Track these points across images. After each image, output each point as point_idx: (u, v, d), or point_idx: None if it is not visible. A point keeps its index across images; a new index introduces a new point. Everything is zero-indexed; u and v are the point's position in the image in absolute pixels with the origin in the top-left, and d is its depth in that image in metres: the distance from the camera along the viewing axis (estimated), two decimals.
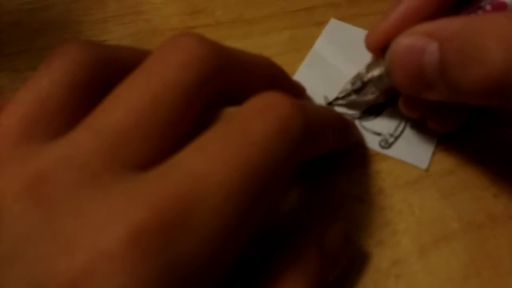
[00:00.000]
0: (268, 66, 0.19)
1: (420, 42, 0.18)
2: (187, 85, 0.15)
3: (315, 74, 0.24)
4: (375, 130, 0.23)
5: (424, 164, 0.22)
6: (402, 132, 0.23)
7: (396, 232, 0.20)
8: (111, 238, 0.12)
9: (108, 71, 0.16)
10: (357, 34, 0.25)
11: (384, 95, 0.23)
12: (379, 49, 0.21)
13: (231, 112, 0.15)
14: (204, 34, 0.25)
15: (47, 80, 0.15)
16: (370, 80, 0.21)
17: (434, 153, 0.22)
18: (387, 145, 0.22)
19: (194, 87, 0.15)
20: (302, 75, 0.24)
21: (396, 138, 0.22)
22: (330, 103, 0.23)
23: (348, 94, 0.22)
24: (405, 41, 0.18)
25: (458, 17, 0.17)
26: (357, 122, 0.23)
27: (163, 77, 0.15)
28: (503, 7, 0.19)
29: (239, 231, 0.14)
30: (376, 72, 0.21)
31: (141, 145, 0.14)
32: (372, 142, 0.23)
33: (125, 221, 0.12)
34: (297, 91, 0.22)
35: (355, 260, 0.19)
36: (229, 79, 0.17)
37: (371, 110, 0.23)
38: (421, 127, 0.23)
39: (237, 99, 0.18)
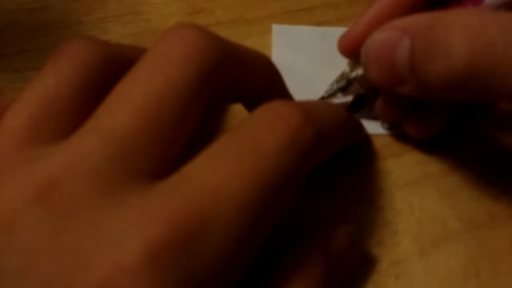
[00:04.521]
0: (266, 62, 0.19)
1: (394, 36, 0.18)
2: (190, 80, 0.15)
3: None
4: (371, 117, 0.23)
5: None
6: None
7: (396, 232, 0.20)
8: (128, 253, 0.12)
9: (115, 70, 0.16)
10: (306, 32, 0.25)
11: (368, 93, 0.23)
12: (352, 52, 0.21)
13: (241, 121, 0.15)
14: None
15: (54, 80, 0.15)
16: (355, 79, 0.21)
17: (434, 153, 0.22)
18: (389, 125, 0.23)
19: (197, 82, 0.15)
20: None
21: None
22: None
23: (334, 93, 0.22)
24: (379, 36, 0.18)
25: (431, 12, 0.18)
26: None
27: (166, 73, 0.14)
28: (480, 1, 0.19)
29: (252, 241, 0.14)
30: (360, 71, 0.21)
31: (150, 149, 0.14)
32: (375, 128, 0.23)
33: (143, 235, 0.12)
34: (289, 94, 0.22)
35: (355, 261, 0.19)
36: (230, 72, 0.16)
37: (356, 106, 0.23)
38: None
39: (237, 95, 0.18)
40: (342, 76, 0.22)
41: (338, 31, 0.22)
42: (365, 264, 0.19)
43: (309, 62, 0.25)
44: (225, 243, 0.13)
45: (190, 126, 0.15)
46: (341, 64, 0.22)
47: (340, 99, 0.23)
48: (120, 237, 0.12)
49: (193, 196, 0.13)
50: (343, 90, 0.22)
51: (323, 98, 0.23)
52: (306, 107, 0.16)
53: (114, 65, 0.16)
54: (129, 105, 0.14)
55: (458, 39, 0.16)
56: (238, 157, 0.14)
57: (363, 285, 0.19)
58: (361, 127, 0.22)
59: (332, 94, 0.23)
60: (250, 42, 0.26)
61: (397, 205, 0.21)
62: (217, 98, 0.16)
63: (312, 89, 0.23)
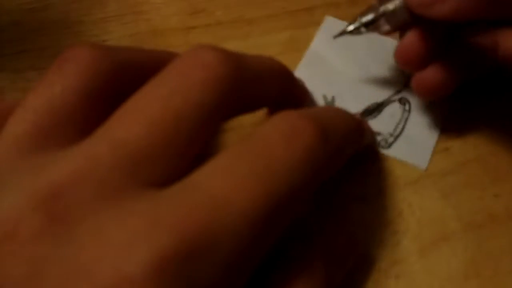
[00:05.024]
0: (280, 72, 0.19)
1: None
2: (208, 103, 0.15)
3: (313, 73, 0.24)
4: (375, 130, 0.23)
5: (423, 164, 0.22)
6: (401, 131, 0.23)
7: (396, 232, 0.20)
8: (134, 263, 0.11)
9: (123, 76, 0.16)
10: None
11: (396, 31, 0.21)
12: None
13: (254, 130, 0.15)
14: (204, 34, 0.25)
15: (60, 87, 0.15)
16: (383, 14, 0.20)
17: (434, 153, 0.22)
18: (387, 144, 0.22)
19: (215, 105, 0.15)
20: (300, 75, 0.24)
21: (396, 137, 0.22)
22: (336, 36, 0.22)
23: (357, 28, 0.21)
24: None
25: None
26: None
27: (185, 94, 0.14)
28: None
29: (258, 254, 0.14)
30: (390, 5, 0.19)
31: (161, 163, 0.14)
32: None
33: (149, 245, 0.12)
34: (302, 92, 0.22)
35: (355, 260, 0.19)
36: (247, 93, 0.16)
37: (372, 109, 0.23)
38: (421, 126, 0.23)
39: (252, 108, 0.18)
40: (370, 9, 0.20)
41: (385, 42, 0.22)
42: (365, 264, 0.19)
43: (343, 60, 0.24)
44: (231, 256, 0.13)
45: (203, 142, 0.15)
46: (374, 73, 0.23)
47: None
48: (127, 246, 0.12)
49: (201, 206, 0.13)
50: (368, 25, 0.20)
51: (344, 33, 0.21)
52: (319, 119, 0.16)
53: (121, 72, 0.16)
54: (145, 119, 0.14)
55: None
56: (249, 169, 0.14)
57: (363, 285, 0.19)
58: (371, 132, 0.22)
59: (355, 29, 0.21)
60: (250, 42, 0.26)
61: (397, 205, 0.21)
62: (232, 115, 0.17)
63: (334, 87, 0.23)
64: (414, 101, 0.23)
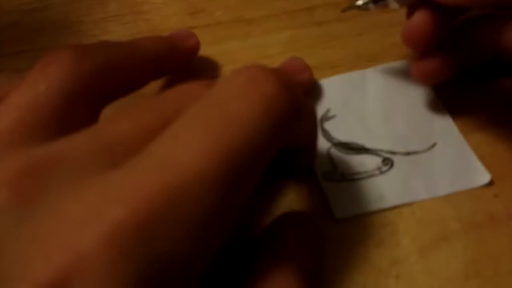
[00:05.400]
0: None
1: None
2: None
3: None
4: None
5: (486, 179, 0.21)
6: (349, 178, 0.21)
7: (396, 232, 0.20)
8: (86, 238, 0.11)
9: (104, 76, 0.16)
10: (352, 79, 0.24)
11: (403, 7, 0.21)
12: None
13: (207, 92, 0.14)
14: (204, 34, 0.25)
15: (44, 86, 0.15)
16: None
17: None
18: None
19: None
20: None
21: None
22: (344, 10, 0.22)
23: (366, 3, 0.21)
24: None
25: None
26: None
27: (177, 108, 0.14)
28: None
29: (220, 221, 0.13)
30: None
31: (135, 149, 0.13)
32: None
33: (101, 219, 0.11)
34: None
35: (355, 260, 0.19)
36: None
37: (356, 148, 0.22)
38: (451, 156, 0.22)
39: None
40: None
41: (374, 72, 0.22)
42: (365, 264, 0.19)
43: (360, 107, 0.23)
44: (190, 223, 0.12)
45: None
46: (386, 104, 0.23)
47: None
48: (80, 222, 0.11)
49: (153, 175, 0.12)
50: (377, 1, 0.20)
51: (351, 7, 0.21)
52: (277, 71, 0.15)
53: (102, 72, 0.16)
54: (134, 118, 0.14)
55: None
56: (203, 129, 0.13)
57: (363, 285, 0.19)
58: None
59: (364, 4, 0.21)
60: (250, 42, 0.26)
61: (397, 205, 0.21)
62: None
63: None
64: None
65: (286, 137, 0.15)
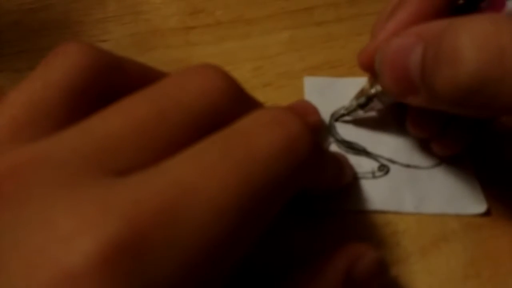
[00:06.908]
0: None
1: (408, 42, 0.17)
2: (200, 111, 0.14)
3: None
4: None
5: (482, 208, 0.21)
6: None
7: (396, 232, 0.20)
8: (78, 255, 0.10)
9: (108, 78, 0.15)
10: (336, 83, 0.25)
11: (389, 110, 0.22)
12: (371, 67, 0.20)
13: (232, 124, 0.14)
14: (204, 34, 0.25)
15: (41, 83, 0.15)
16: (375, 95, 0.21)
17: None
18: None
19: (209, 115, 0.14)
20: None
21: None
22: (336, 119, 0.23)
23: (354, 110, 0.22)
24: (395, 41, 0.18)
25: (447, 18, 0.17)
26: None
27: (179, 98, 0.14)
28: (501, 8, 0.18)
29: (226, 253, 0.12)
30: (379, 87, 0.20)
31: (131, 154, 0.13)
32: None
33: (95, 234, 0.10)
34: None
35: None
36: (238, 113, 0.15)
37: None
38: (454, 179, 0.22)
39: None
40: (362, 92, 0.22)
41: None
42: None
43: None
44: (193, 251, 0.11)
45: (183, 147, 0.14)
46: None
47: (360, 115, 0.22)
48: (72, 234, 0.10)
49: (161, 191, 0.11)
50: (363, 106, 0.22)
51: (343, 114, 0.23)
52: (304, 118, 0.15)
53: (109, 74, 0.16)
54: (125, 112, 0.13)
55: (467, 45, 0.15)
56: (224, 157, 0.12)
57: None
58: (351, 168, 0.21)
59: (352, 111, 0.22)
60: (250, 42, 0.26)
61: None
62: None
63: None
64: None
65: (305, 178, 0.15)
